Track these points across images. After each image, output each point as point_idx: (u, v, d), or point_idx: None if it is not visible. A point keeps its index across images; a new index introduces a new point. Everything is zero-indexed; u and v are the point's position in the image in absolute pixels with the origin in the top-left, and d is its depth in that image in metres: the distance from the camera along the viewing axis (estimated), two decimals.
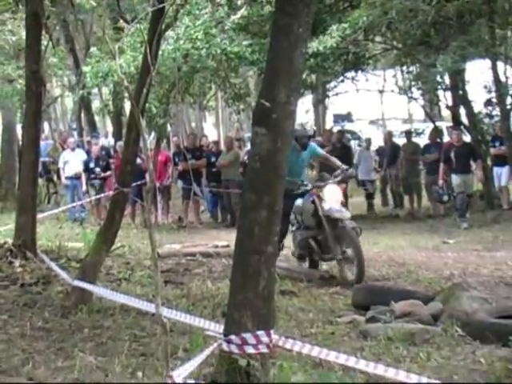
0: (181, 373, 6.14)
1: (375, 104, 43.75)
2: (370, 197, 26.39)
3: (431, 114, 32.96)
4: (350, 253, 10.47)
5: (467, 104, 24.81)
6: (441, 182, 22.21)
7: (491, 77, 23.41)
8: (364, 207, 25.95)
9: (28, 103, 13.66)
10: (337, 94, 31.38)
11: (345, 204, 12.26)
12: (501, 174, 23.28)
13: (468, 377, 7.70)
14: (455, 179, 21.55)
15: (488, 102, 25.08)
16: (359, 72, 27.22)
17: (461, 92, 25.30)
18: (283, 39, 6.66)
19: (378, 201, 27.44)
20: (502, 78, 23.61)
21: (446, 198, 22.09)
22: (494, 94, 24.05)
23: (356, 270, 10.31)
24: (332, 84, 28.95)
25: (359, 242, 10.54)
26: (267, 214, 6.52)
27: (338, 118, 35.48)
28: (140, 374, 7.58)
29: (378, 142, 30.69)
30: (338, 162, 13.45)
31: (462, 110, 25.97)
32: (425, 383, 5.60)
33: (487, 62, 24.08)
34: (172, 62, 19.99)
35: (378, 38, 25.95)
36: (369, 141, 27.65)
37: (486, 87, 24.26)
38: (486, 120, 25.17)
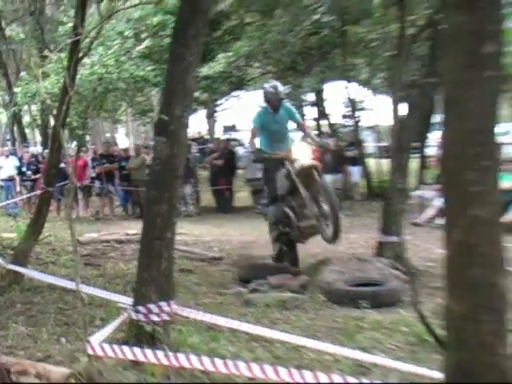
0: (97, 338, 6.46)
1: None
2: (256, 192, 24.32)
3: None
4: (326, 209, 9.17)
5: (326, 117, 27.52)
6: None
7: (346, 95, 26.44)
8: (249, 201, 25.28)
9: None
10: (224, 109, 33.47)
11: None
12: (354, 172, 25.25)
13: (329, 333, 8.26)
14: (329, 178, 24.88)
15: (344, 115, 27.62)
16: (242, 91, 30.08)
17: (321, 107, 27.85)
18: (178, 65, 7.28)
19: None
20: (354, 96, 26.43)
21: None
22: (348, 109, 27.00)
23: (332, 226, 9.18)
24: (220, 101, 31.99)
25: (335, 196, 9.43)
26: (167, 207, 7.04)
27: (226, 129, 37.42)
28: (64, 339, 7.85)
29: None
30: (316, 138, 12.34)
31: (325, 122, 28.60)
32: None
33: (343, 83, 26.08)
34: (89, 83, 21.35)
35: (256, 64, 27.35)
36: None
37: (343, 103, 26.94)
38: (343, 129, 28.07)
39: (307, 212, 9.13)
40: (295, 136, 10.04)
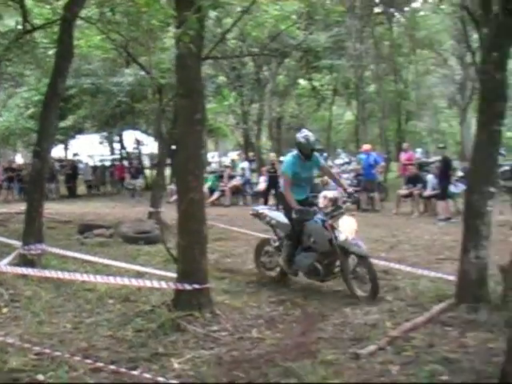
0: (3, 263, 8.45)
1: None
2: (89, 187, 32.99)
3: None
4: (360, 271, 7.53)
5: (124, 148, 35.07)
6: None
7: (134, 137, 32.40)
8: (86, 191, 32.53)
9: None
10: (72, 144, 39.75)
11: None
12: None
13: (123, 257, 10.24)
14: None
15: (134, 148, 33.91)
16: (81, 135, 38.11)
17: (122, 143, 35.26)
18: (45, 121, 9.78)
19: None
20: (138, 137, 33.10)
21: None
22: (135, 145, 33.51)
23: (370, 289, 7.30)
24: (71, 140, 38.47)
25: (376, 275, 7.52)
26: (39, 195, 9.74)
27: (74, 154, 37.38)
28: None
29: None
30: (342, 180, 11.00)
31: (123, 151, 35.34)
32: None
33: (133, 131, 32.83)
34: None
35: (88, 121, 35.07)
36: None
37: (133, 141, 33.58)
38: (133, 155, 34.79)
39: (334, 269, 7.87)
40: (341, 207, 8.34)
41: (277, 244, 8.43)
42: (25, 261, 8.90)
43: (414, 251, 10.10)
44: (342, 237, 7.35)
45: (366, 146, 19.17)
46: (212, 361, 4.96)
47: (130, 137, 31.54)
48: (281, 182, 10.74)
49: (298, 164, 8.08)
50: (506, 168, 19.07)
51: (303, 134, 8.12)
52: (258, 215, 8.81)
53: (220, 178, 23.30)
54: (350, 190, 8.75)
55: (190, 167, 6.39)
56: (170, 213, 12.30)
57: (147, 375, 4.23)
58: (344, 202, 9.16)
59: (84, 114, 28.92)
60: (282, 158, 23.15)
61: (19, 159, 41.41)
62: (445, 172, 14.91)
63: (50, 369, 4.72)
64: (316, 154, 8.37)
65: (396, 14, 29.20)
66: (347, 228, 7.33)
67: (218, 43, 10.23)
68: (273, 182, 19.30)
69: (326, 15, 23.50)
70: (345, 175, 18.68)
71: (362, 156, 19.00)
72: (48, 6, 13.80)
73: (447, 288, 6.75)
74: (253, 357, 5.09)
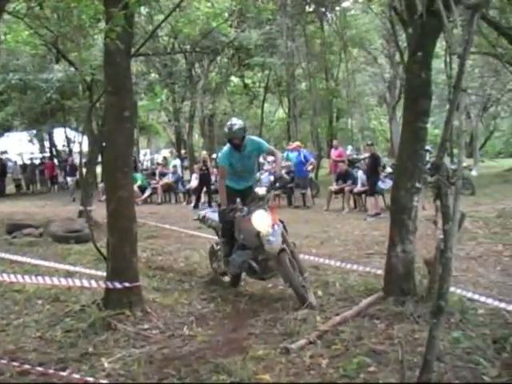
0: None
1: None
2: (18, 186, 32.82)
3: None
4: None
5: (55, 147, 34.67)
6: None
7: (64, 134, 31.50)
8: (14, 190, 32.30)
9: None
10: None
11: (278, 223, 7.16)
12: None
13: (53, 256, 10.20)
14: None
15: (63, 145, 33.55)
16: (9, 132, 36.79)
17: (52, 140, 34.84)
18: None
19: None
20: (68, 135, 32.30)
21: None
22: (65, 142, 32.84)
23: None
24: None
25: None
26: None
27: (2, 152, 37.01)
28: None
29: None
30: (280, 163, 9.70)
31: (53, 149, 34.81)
32: None
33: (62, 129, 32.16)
34: None
35: (17, 119, 33.96)
36: None
37: (63, 139, 32.73)
38: (63, 153, 34.28)
39: (271, 264, 7.12)
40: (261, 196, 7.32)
41: (218, 246, 8.02)
42: None
43: (344, 246, 10.31)
44: (268, 247, 6.89)
45: (295, 144, 19.36)
46: (143, 359, 4.94)
47: (60, 134, 30.85)
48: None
49: (231, 155, 7.58)
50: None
51: (228, 123, 7.64)
52: (201, 220, 8.43)
53: (152, 175, 23.16)
54: (280, 173, 8.42)
55: (119, 165, 6.32)
56: (101, 211, 12.13)
57: (76, 375, 4.15)
58: (272, 187, 8.31)
59: (12, 111, 28.25)
60: (213, 156, 23.19)
61: None
62: (373, 168, 15.23)
63: None
64: (253, 140, 7.76)
65: (327, 13, 29.49)
66: (259, 223, 6.85)
67: (148, 40, 10.08)
68: (205, 179, 19.32)
69: (258, 13, 23.69)
70: None
71: (290, 154, 19.13)
72: None
73: (376, 282, 6.92)
74: (184, 354, 5.10)
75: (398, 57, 26.95)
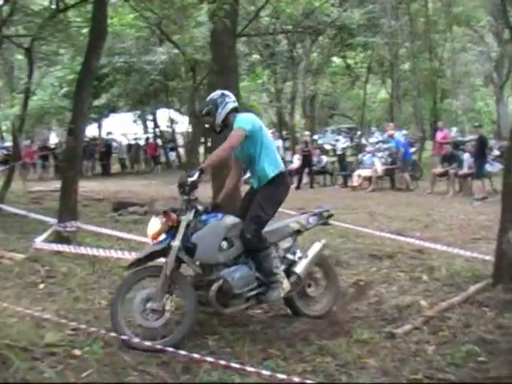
0: (39, 240, 8.67)
1: None
2: (123, 166, 34.11)
3: None
4: None
5: (158, 127, 35.11)
6: None
7: (168, 115, 31.85)
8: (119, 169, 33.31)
9: None
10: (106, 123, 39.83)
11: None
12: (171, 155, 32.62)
13: None
14: None
15: (167, 126, 33.81)
16: (115, 113, 37.65)
17: (155, 121, 35.77)
18: (79, 100, 9.97)
19: None
20: (172, 116, 33.03)
21: None
22: (168, 123, 32.97)
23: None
24: (104, 118, 38.37)
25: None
26: (74, 172, 9.82)
27: (108, 133, 38.44)
28: (22, 241, 9.64)
29: None
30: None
31: (157, 129, 35.53)
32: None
33: (166, 110, 32.33)
34: (35, 111, 26.92)
35: (122, 100, 34.32)
36: None
37: (167, 120, 33.01)
38: (167, 133, 34.97)
39: None
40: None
41: None
42: (60, 238, 9.07)
43: (449, 231, 9.99)
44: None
45: (390, 132, 19.07)
46: (247, 338, 4.99)
47: (163, 115, 31.35)
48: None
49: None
50: None
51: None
52: None
53: None
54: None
55: None
56: (203, 190, 12.19)
57: (182, 352, 4.18)
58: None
59: (117, 92, 29.45)
60: (315, 137, 22.96)
61: (53, 138, 42.26)
62: (481, 151, 14.69)
63: (85, 344, 4.78)
64: (233, 116, 5.54)
65: None
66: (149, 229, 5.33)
67: (253, 20, 10.07)
68: (307, 160, 19.27)
69: None
70: (379, 154, 18.45)
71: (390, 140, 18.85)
72: None
73: (483, 268, 6.63)
74: (287, 335, 5.13)
75: (506, 34, 25.63)
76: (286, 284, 5.27)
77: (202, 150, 20.87)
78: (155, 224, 5.29)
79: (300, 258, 5.52)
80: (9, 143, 35.04)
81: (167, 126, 31.32)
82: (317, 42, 27.80)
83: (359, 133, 31.76)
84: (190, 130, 17.79)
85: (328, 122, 40.77)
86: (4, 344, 4.51)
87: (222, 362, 4.10)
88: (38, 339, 4.78)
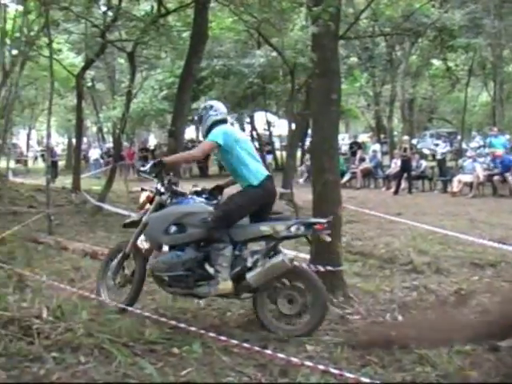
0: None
1: None
2: None
3: None
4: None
5: (255, 129, 34.81)
6: None
7: (264, 118, 32.46)
8: None
9: None
10: None
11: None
12: (269, 157, 31.43)
13: None
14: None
15: (264, 129, 34.29)
16: None
17: (252, 124, 35.44)
18: (179, 102, 10.51)
19: None
20: (269, 119, 33.06)
21: None
22: (266, 126, 33.54)
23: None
24: None
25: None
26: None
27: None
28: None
29: None
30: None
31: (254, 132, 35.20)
32: None
33: (263, 113, 32.78)
34: (136, 113, 28.04)
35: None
36: None
37: (264, 123, 33.49)
38: (264, 136, 34.86)
39: None
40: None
41: None
42: None
43: None
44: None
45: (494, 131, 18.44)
46: (345, 344, 4.93)
47: (260, 118, 31.55)
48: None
49: None
50: None
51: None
52: None
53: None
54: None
55: (325, 148, 6.35)
56: (299, 194, 12.16)
57: (281, 355, 4.17)
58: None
59: (216, 95, 29.16)
60: (413, 141, 22.49)
61: (152, 139, 43.84)
62: None
63: (184, 343, 4.86)
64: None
65: None
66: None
67: (355, 22, 10.01)
68: (406, 165, 18.90)
69: None
70: (481, 159, 17.88)
71: (494, 140, 18.22)
72: None
73: None
74: (386, 342, 4.99)
75: None
76: (223, 285, 5.22)
77: (298, 153, 20.86)
78: (142, 198, 6.24)
79: (256, 266, 5.33)
80: (110, 144, 36.66)
81: (264, 129, 31.36)
82: (416, 44, 27.23)
83: (459, 137, 30.83)
84: (287, 133, 17.76)
85: (427, 126, 39.80)
86: (107, 339, 4.66)
87: (321, 367, 4.02)
88: (139, 335, 4.92)
